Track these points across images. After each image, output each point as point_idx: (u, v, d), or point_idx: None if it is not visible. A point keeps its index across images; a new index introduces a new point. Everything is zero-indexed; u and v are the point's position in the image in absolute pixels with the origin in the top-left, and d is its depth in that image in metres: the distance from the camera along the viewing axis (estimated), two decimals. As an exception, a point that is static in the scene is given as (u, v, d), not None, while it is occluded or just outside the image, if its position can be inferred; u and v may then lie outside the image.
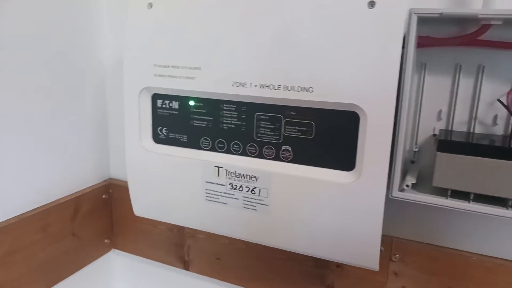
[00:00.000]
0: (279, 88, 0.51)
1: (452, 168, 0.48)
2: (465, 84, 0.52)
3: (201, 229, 0.65)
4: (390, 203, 0.51)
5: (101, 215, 0.83)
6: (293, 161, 0.54)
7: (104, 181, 0.84)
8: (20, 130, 0.65)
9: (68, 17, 0.70)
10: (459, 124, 0.54)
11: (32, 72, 0.65)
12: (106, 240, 0.85)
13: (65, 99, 0.72)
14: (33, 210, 0.68)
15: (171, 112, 0.61)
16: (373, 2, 0.44)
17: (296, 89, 0.50)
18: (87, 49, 0.75)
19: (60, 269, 0.74)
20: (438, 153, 0.48)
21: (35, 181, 0.69)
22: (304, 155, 0.54)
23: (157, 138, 0.63)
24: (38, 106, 0.67)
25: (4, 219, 0.64)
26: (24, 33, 0.63)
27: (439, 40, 0.51)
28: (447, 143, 0.49)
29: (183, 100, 0.59)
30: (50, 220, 0.71)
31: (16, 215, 0.66)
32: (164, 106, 0.61)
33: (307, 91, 0.50)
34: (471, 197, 0.48)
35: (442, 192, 0.50)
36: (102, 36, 0.78)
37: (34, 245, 0.68)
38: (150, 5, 0.56)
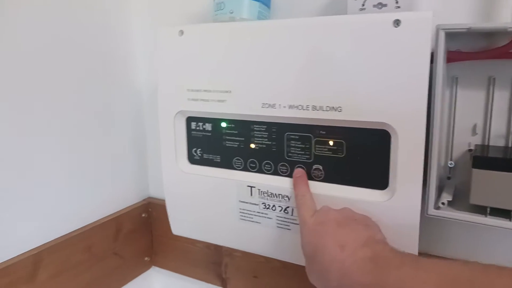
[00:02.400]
0: (308, 108, 0.51)
1: (490, 185, 0.47)
2: (500, 97, 0.51)
3: (236, 248, 0.65)
4: (428, 220, 0.50)
5: (141, 234, 0.85)
6: (324, 180, 0.54)
7: (144, 200, 0.87)
8: (65, 155, 0.69)
9: (104, 45, 0.74)
10: (496, 138, 0.52)
11: (73, 101, 0.69)
12: (146, 258, 0.87)
13: (104, 125, 0.76)
14: (77, 230, 0.71)
15: (205, 133, 0.62)
16: (399, 20, 0.44)
17: (324, 109, 0.50)
18: (125, 76, 0.79)
19: (104, 287, 0.77)
20: (474, 169, 0.47)
21: (78, 202, 0.72)
22: (336, 174, 0.53)
23: (192, 159, 0.65)
24: (80, 132, 0.71)
25: (51, 239, 0.67)
26: (65, 62, 0.68)
27: (470, 54, 0.50)
28: (483, 159, 0.47)
29: (215, 122, 0.61)
30: (94, 240, 0.73)
31: (61, 235, 0.69)
32: (198, 128, 0.63)
33: (335, 110, 0.50)
34: (512, 215, 0.46)
35: (481, 209, 0.49)
36: (139, 63, 0.82)
37: (79, 265, 0.71)
38: (181, 33, 0.59)
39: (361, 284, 0.39)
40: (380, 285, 0.38)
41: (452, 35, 0.45)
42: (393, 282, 0.37)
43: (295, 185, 0.54)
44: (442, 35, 0.45)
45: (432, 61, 0.45)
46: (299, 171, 0.55)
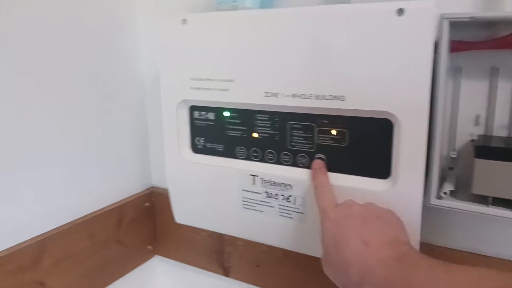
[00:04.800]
0: (311, 97, 0.51)
1: (492, 175, 0.47)
2: (503, 88, 0.50)
3: (239, 237, 0.66)
4: (430, 210, 0.50)
5: (144, 223, 0.86)
6: (327, 169, 0.55)
7: (147, 189, 0.87)
8: (68, 143, 0.69)
9: (107, 32, 0.74)
10: (499, 128, 0.52)
11: (76, 89, 0.69)
12: (149, 247, 0.88)
13: (107, 113, 0.76)
14: (80, 218, 0.72)
15: (208, 122, 0.62)
16: (402, 9, 0.44)
17: (327, 98, 0.50)
18: (128, 65, 0.79)
19: (107, 275, 0.78)
20: (476, 159, 0.47)
21: (81, 190, 0.72)
22: (338, 163, 0.54)
23: (195, 148, 0.65)
24: (83, 120, 0.71)
25: (54, 227, 0.68)
26: (71, 52, 0.68)
27: (473, 44, 0.50)
28: (485, 149, 0.47)
29: (218, 111, 0.61)
30: (97, 228, 0.74)
31: (65, 222, 0.70)
32: (201, 117, 0.63)
33: (338, 99, 0.50)
34: (514, 205, 0.47)
35: (483, 199, 0.49)
36: (141, 52, 0.81)
37: (83, 252, 0.72)
38: (184, 21, 0.59)
39: (387, 281, 0.39)
40: (408, 284, 0.38)
41: (455, 25, 0.45)
42: (421, 282, 0.37)
43: (314, 176, 0.54)
44: (446, 24, 0.44)
45: (435, 51, 0.45)
46: (318, 163, 0.54)
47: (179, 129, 0.64)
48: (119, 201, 0.80)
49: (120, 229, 0.79)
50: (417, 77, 0.45)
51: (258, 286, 0.78)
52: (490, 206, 0.48)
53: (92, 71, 0.72)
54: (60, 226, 0.69)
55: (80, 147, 0.71)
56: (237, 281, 0.80)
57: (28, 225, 0.64)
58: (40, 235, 0.65)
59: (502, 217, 0.47)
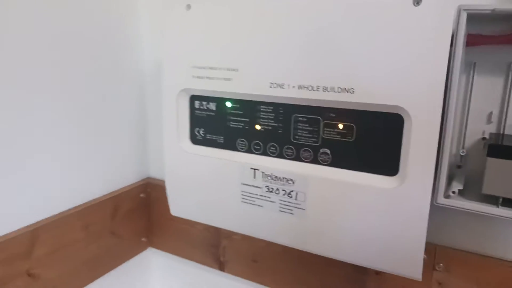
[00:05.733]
0: (318, 89, 0.50)
1: (504, 175, 0.45)
2: (519, 85, 0.49)
3: (237, 231, 0.64)
4: (436, 208, 0.49)
5: (139, 214, 0.84)
6: (332, 164, 0.53)
7: (143, 180, 0.85)
8: (64, 131, 0.67)
9: (108, 22, 0.72)
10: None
11: (75, 76, 0.67)
12: (143, 239, 0.86)
13: (105, 100, 0.73)
14: (74, 208, 0.70)
15: (209, 113, 0.60)
16: (419, -1, 0.42)
17: (336, 90, 0.49)
18: (126, 52, 0.77)
19: (100, 266, 0.76)
20: (489, 158, 0.46)
21: (76, 180, 0.70)
22: (344, 158, 0.52)
23: (194, 139, 0.63)
24: (80, 109, 0.69)
25: (47, 216, 0.66)
26: (67, 39, 0.65)
27: (491, 38, 0.48)
28: (498, 147, 0.46)
29: (220, 101, 0.59)
30: (91, 218, 0.72)
31: (58, 212, 0.68)
32: (201, 107, 0.61)
33: (347, 92, 0.48)
34: (525, 206, 0.45)
35: (491, 199, 0.47)
36: (142, 39, 0.79)
37: (76, 243, 0.70)
38: (189, 7, 0.56)
39: None
40: None
41: (473, 17, 0.43)
42: None
43: None
44: (464, 16, 0.42)
45: (451, 44, 0.43)
46: None
47: (179, 119, 0.62)
48: (115, 191, 0.78)
49: (115, 219, 0.77)
50: (433, 71, 0.43)
51: (255, 282, 0.76)
52: (500, 206, 0.46)
53: (91, 57, 0.69)
54: (54, 215, 0.67)
55: (76, 136, 0.69)
56: (233, 276, 0.79)
57: (21, 213, 0.62)
58: (33, 224, 0.64)
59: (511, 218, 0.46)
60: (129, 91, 0.78)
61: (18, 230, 0.61)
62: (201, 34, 0.56)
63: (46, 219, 0.65)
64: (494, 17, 0.44)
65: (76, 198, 0.71)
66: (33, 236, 0.63)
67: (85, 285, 0.73)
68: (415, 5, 0.42)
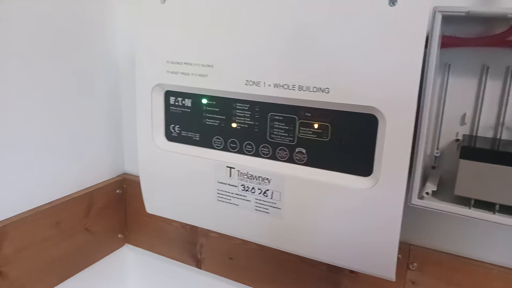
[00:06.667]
0: (294, 88, 0.49)
1: (476, 177, 0.45)
2: (492, 87, 0.49)
3: (213, 229, 0.64)
4: (410, 208, 0.49)
5: (115, 210, 0.83)
6: (307, 164, 0.52)
7: (118, 176, 0.84)
8: (35, 124, 0.65)
9: (82, 13, 0.70)
10: (485, 129, 0.50)
11: (47, 68, 0.65)
12: (119, 235, 0.85)
13: (78, 94, 0.72)
14: (46, 204, 0.68)
15: (184, 109, 0.59)
16: (395, -1, 0.42)
17: (311, 90, 0.48)
18: (101, 45, 0.75)
19: (73, 264, 0.74)
20: (461, 160, 0.46)
21: (48, 175, 0.69)
22: (319, 158, 0.52)
23: (169, 136, 0.62)
24: (52, 101, 0.67)
25: (16, 213, 0.64)
26: (39, 29, 0.63)
27: (465, 40, 0.48)
28: (471, 150, 0.46)
29: (195, 97, 0.58)
30: (63, 215, 0.71)
31: (28, 209, 0.66)
32: (176, 103, 0.60)
33: (323, 91, 0.48)
34: (497, 208, 0.45)
35: (464, 200, 0.47)
36: (116, 32, 0.77)
37: (47, 240, 0.68)
38: (164, 0, 0.55)
39: None
40: None
41: (448, 19, 0.43)
42: None
43: None
44: (438, 17, 0.42)
45: (426, 45, 0.43)
46: None
47: (153, 115, 0.61)
48: (89, 187, 0.77)
49: (89, 216, 0.76)
50: (407, 72, 0.43)
51: (231, 279, 0.76)
52: (472, 208, 0.47)
53: (64, 50, 0.67)
54: (23, 212, 0.65)
55: (48, 129, 0.67)
56: (210, 274, 0.78)
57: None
58: (1, 221, 0.62)
59: (484, 220, 0.46)
60: (103, 84, 0.76)
61: (-15, 227, 0.60)
62: (176, 28, 0.55)
63: (16, 215, 0.64)
64: (469, 19, 0.44)
65: (48, 194, 0.69)
66: (1, 233, 0.61)
67: (58, 283, 0.71)
68: (390, 5, 0.42)
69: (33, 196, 0.67)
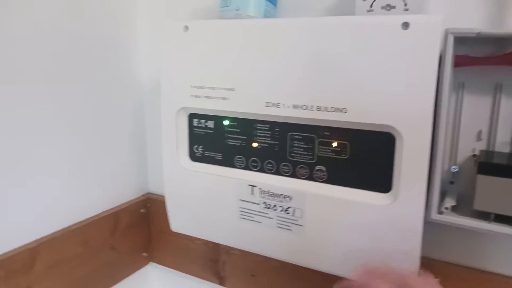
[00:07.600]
0: (312, 109, 0.51)
1: (494, 191, 0.46)
2: (507, 104, 0.50)
3: (236, 247, 0.65)
4: (431, 224, 0.50)
5: (140, 229, 0.85)
6: (327, 181, 0.54)
7: (143, 195, 0.86)
8: (64, 148, 0.68)
9: (108, 36, 0.74)
10: (501, 145, 0.51)
11: (75, 91, 0.69)
12: (144, 254, 0.87)
13: (105, 117, 0.75)
14: (74, 224, 0.71)
15: (207, 131, 0.62)
16: (407, 23, 0.44)
17: (329, 110, 0.50)
18: (126, 69, 0.78)
19: (99, 282, 0.76)
20: (479, 175, 0.47)
21: (76, 196, 0.71)
22: (339, 175, 0.53)
23: (193, 156, 0.64)
24: (80, 123, 0.70)
25: (48, 233, 0.67)
26: (67, 51, 0.67)
27: (478, 59, 0.49)
28: (488, 165, 0.47)
29: (218, 119, 0.60)
30: (91, 234, 0.73)
31: (58, 229, 0.68)
32: (200, 125, 0.62)
33: (340, 111, 0.49)
34: (517, 222, 0.46)
35: (484, 215, 0.48)
36: (141, 57, 0.81)
37: (76, 258, 0.70)
38: (186, 28, 0.58)
39: None
40: None
41: (460, 40, 0.45)
42: None
43: None
44: (451, 39, 0.44)
45: (439, 65, 0.45)
46: None
47: (178, 137, 0.63)
48: (115, 207, 0.79)
49: (115, 235, 0.78)
50: (421, 91, 0.44)
51: (254, 296, 0.77)
52: (492, 222, 0.47)
53: (91, 74, 0.71)
54: (54, 232, 0.68)
55: (76, 151, 0.70)
56: (233, 291, 0.80)
57: (22, 231, 0.63)
58: (33, 241, 0.64)
59: (504, 233, 0.47)
60: (128, 106, 0.80)
61: (18, 248, 0.62)
62: (198, 55, 0.58)
63: (46, 236, 0.66)
64: (480, 39, 0.46)
65: (76, 215, 0.72)
66: (33, 252, 0.63)
67: (86, 300, 0.74)
68: (403, 29, 0.44)
69: (63, 216, 0.69)
